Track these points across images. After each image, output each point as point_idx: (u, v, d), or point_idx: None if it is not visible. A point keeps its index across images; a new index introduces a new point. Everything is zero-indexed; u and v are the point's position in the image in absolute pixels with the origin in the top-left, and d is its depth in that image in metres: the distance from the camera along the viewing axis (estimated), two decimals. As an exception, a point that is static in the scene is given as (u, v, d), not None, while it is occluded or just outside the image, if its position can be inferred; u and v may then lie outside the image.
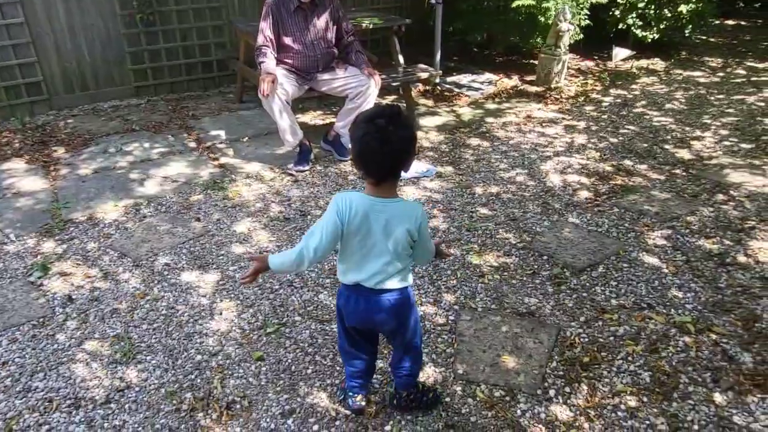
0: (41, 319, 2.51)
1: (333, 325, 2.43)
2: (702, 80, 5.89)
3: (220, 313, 2.54)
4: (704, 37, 7.62)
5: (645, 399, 2.08)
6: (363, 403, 2.00)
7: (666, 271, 2.79)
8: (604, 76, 5.95)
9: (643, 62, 6.48)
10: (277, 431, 1.97)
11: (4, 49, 4.54)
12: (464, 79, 5.84)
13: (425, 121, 4.81)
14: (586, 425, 1.98)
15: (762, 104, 5.11)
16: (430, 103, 5.29)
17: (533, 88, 5.62)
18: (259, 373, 2.22)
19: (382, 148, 1.58)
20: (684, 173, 3.82)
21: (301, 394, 2.12)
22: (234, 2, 5.38)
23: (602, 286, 2.69)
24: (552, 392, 2.11)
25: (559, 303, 2.58)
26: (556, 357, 2.27)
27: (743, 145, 4.24)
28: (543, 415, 2.02)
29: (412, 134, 1.65)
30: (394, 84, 4.71)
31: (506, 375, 2.19)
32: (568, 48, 5.57)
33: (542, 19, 5.56)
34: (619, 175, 3.80)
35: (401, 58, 5.02)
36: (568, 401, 2.07)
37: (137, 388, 2.15)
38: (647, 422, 1.98)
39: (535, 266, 2.85)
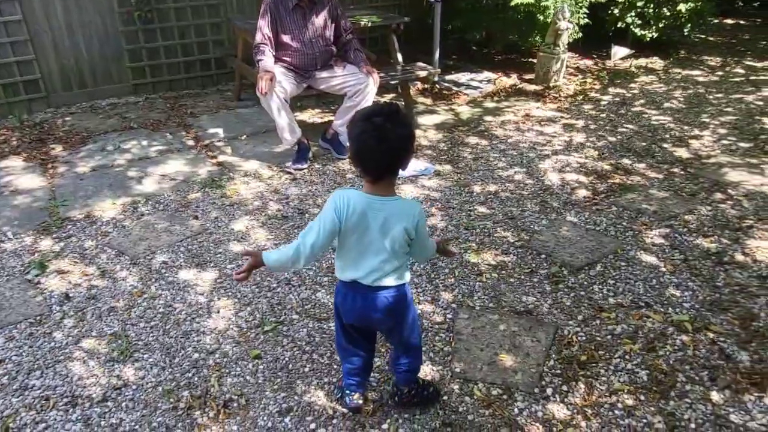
0: (38, 317, 2.51)
1: (330, 324, 2.43)
2: (701, 79, 5.89)
3: (218, 311, 2.54)
4: (703, 36, 7.62)
5: (642, 397, 2.08)
6: (360, 402, 2.00)
7: (664, 269, 2.79)
8: (602, 75, 5.95)
9: (642, 61, 6.47)
10: (275, 429, 1.97)
11: (2, 46, 4.53)
12: (463, 77, 5.84)
13: (424, 120, 4.80)
14: (583, 424, 1.98)
15: (760, 103, 5.11)
16: (428, 101, 5.29)
17: (532, 87, 5.62)
18: (256, 371, 2.22)
19: (380, 146, 1.58)
20: (682, 172, 3.82)
21: (299, 392, 2.12)
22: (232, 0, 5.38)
23: (600, 285, 2.69)
24: (549, 391, 2.11)
25: (556, 301, 2.58)
26: (553, 355, 2.28)
27: (741, 144, 4.25)
28: (540, 414, 2.02)
29: (410, 132, 1.65)
30: (392, 82, 4.71)
31: (504, 373, 2.19)
32: (566, 47, 5.56)
33: (541, 17, 5.55)
34: (617, 174, 3.80)
35: (400, 57, 5.01)
36: (566, 400, 2.08)
37: (134, 386, 2.15)
38: (644, 421, 1.99)
39: (533, 265, 2.85)
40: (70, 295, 2.65)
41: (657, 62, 6.48)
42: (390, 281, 1.74)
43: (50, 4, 4.63)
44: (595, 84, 5.73)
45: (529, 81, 5.78)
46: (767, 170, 3.80)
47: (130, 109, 4.96)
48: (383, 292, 1.75)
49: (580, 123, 4.72)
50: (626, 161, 4.00)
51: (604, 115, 4.89)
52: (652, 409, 2.03)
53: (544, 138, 4.42)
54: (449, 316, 2.50)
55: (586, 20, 5.80)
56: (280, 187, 3.64)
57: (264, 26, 3.80)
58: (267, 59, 3.78)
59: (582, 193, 3.57)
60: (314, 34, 3.90)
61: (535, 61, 5.82)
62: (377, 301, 1.75)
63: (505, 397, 2.09)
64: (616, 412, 2.02)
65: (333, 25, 3.99)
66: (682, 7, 6.03)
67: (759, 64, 6.40)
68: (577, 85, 5.69)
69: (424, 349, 2.28)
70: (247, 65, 4.69)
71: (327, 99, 5.02)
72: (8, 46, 4.54)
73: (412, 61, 5.08)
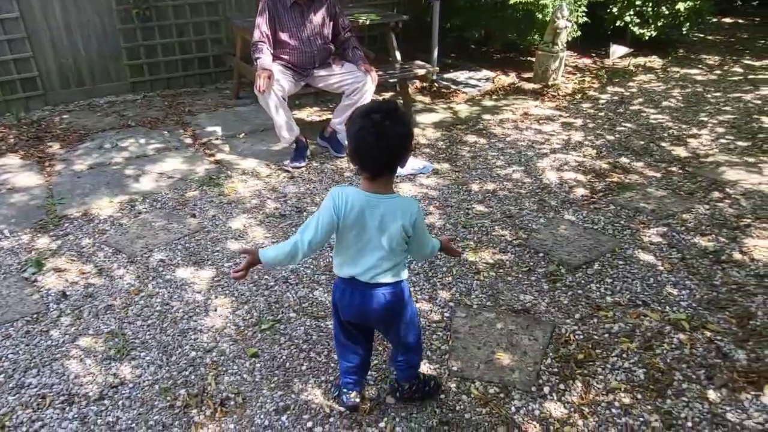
0: (35, 315, 2.50)
1: (328, 322, 2.43)
2: (699, 78, 5.89)
3: (215, 310, 2.54)
4: (702, 35, 7.62)
5: (639, 396, 2.08)
6: (357, 400, 2.00)
7: (661, 268, 2.80)
8: (601, 74, 5.94)
9: (641, 60, 6.48)
10: (271, 428, 1.97)
11: (0, 44, 4.52)
12: (461, 75, 5.83)
13: (422, 118, 4.80)
14: (580, 422, 1.98)
15: (758, 102, 5.11)
16: (427, 99, 5.29)
17: (530, 86, 5.62)
18: (253, 369, 2.21)
19: (378, 143, 1.58)
20: (680, 171, 3.82)
21: (296, 390, 2.12)
22: (231, -2, 5.37)
23: (597, 284, 2.69)
24: (546, 389, 2.11)
25: (554, 300, 2.58)
26: (550, 354, 2.28)
27: (739, 143, 4.25)
28: (537, 412, 2.02)
29: (408, 130, 1.65)
30: (391, 80, 4.70)
31: (501, 372, 2.19)
32: (565, 45, 5.56)
33: (540, 16, 5.55)
34: (615, 173, 3.80)
35: (398, 55, 5.01)
36: (563, 398, 2.08)
37: (131, 385, 2.15)
38: (641, 419, 1.99)
39: (531, 263, 2.85)
40: (67, 293, 2.64)
41: (655, 61, 6.48)
42: (387, 278, 1.74)
43: (48, 2, 4.62)
44: (593, 83, 5.73)
45: (528, 79, 5.78)
46: (765, 169, 3.80)
47: (127, 107, 4.95)
48: (380, 289, 1.75)
49: (579, 122, 4.72)
50: (624, 160, 4.00)
51: (602, 114, 4.89)
52: (649, 407, 2.03)
53: (542, 136, 4.42)
54: (446, 314, 2.50)
55: (585, 19, 5.80)
56: (278, 186, 3.64)
57: (262, 24, 3.79)
58: (265, 57, 3.77)
59: (580, 191, 3.57)
60: (312, 32, 3.89)
61: (533, 59, 5.82)
62: (375, 298, 1.75)
63: (502, 395, 2.09)
64: (613, 410, 2.02)
65: (331, 23, 3.99)
66: (680, 5, 6.03)
67: (757, 63, 6.41)
68: (575, 83, 5.69)
69: (421, 347, 2.28)
70: (245, 63, 4.68)
71: (325, 97, 5.01)
72: (6, 44, 4.53)
73: (410, 60, 5.08)
